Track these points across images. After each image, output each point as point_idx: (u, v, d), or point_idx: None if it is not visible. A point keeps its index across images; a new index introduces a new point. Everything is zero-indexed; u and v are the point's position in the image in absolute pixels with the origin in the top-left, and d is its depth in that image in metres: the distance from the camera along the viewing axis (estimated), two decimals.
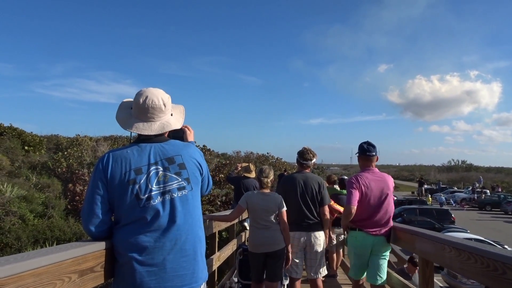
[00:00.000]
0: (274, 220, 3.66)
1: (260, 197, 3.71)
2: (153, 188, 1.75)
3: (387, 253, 3.53)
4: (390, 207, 3.43)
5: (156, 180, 1.77)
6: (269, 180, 3.76)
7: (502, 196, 32.10)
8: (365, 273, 3.57)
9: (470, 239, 12.42)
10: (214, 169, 18.57)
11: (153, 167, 1.79)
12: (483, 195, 33.59)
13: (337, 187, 6.51)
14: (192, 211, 1.82)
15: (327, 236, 4.01)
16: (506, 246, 13.02)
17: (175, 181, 1.80)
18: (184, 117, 2.05)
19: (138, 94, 1.89)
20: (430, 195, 32.96)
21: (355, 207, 3.32)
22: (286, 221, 3.68)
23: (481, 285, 8.07)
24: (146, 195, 1.73)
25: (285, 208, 3.70)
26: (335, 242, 6.09)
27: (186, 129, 2.30)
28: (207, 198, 13.62)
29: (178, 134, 2.27)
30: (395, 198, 27.97)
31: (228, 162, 20.40)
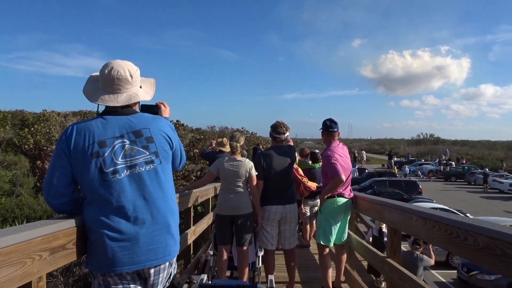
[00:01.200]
0: (244, 185, 3.75)
1: (231, 163, 3.78)
2: (119, 162, 1.71)
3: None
4: (351, 171, 3.90)
5: (122, 153, 1.73)
6: (239, 145, 3.81)
7: (466, 167, 33.44)
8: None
9: (436, 208, 12.88)
10: (188, 144, 18.35)
11: (118, 140, 1.74)
12: (449, 167, 34.60)
13: (309, 161, 6.57)
14: (162, 185, 1.79)
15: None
16: (468, 215, 13.69)
17: (143, 155, 1.76)
18: (155, 89, 1.99)
19: (104, 66, 1.84)
20: (399, 168, 34.15)
21: (344, 176, 3.61)
22: (255, 186, 3.77)
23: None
24: (111, 169, 1.70)
25: (255, 173, 3.78)
26: (308, 214, 6.22)
27: (161, 105, 2.26)
28: (181, 173, 13.52)
29: (153, 110, 2.22)
30: (366, 170, 28.71)
31: (202, 137, 20.19)
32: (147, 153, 1.77)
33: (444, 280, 9.91)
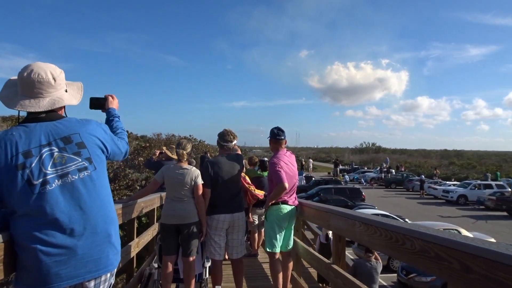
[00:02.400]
0: (189, 194, 3.71)
1: (177, 170, 3.73)
2: (48, 172, 1.62)
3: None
4: (297, 179, 3.99)
5: (51, 162, 1.64)
6: (185, 152, 3.77)
7: (404, 175, 35.11)
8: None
9: (377, 214, 13.58)
10: (133, 152, 17.53)
11: (46, 149, 1.65)
12: (389, 174, 36.21)
13: (258, 170, 6.57)
14: (99, 192, 1.73)
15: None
16: (407, 220, 14.24)
17: (75, 162, 1.68)
18: (82, 93, 1.91)
19: (23, 69, 1.72)
20: (346, 175, 35.27)
21: (288, 184, 3.67)
22: (201, 195, 3.74)
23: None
24: (41, 180, 1.60)
25: (201, 182, 3.75)
26: (256, 222, 6.22)
27: (109, 97, 2.22)
28: (125, 183, 12.95)
29: (100, 103, 2.23)
30: (313, 178, 29.16)
31: (148, 145, 19.45)
32: (80, 160, 1.69)
33: (385, 284, 10.20)
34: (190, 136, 29.61)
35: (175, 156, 6.24)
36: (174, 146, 6.61)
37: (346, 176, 34.53)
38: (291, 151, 4.07)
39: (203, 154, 18.28)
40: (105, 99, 2.25)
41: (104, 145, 1.82)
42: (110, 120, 2.23)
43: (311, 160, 41.33)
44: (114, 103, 2.26)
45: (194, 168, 3.83)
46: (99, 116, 2.54)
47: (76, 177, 1.66)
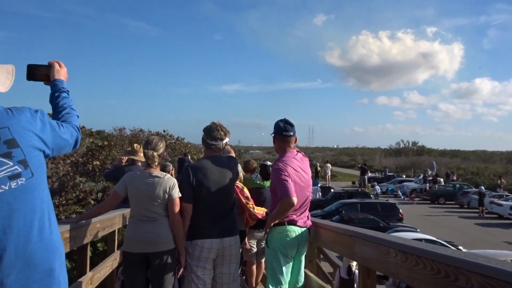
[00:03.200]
0: (162, 212, 3.75)
1: (145, 179, 3.76)
2: None
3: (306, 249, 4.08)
4: (310, 191, 4.01)
5: None
6: (156, 155, 3.79)
7: (457, 185, 35.03)
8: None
9: (420, 239, 13.44)
10: (85, 153, 17.41)
11: None
12: (436, 185, 36.03)
13: (258, 178, 6.61)
14: (36, 208, 1.72)
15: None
16: (460, 247, 14.46)
17: (4, 167, 1.67)
18: (13, 79, 1.90)
19: None
20: (376, 186, 35.11)
21: (297, 197, 3.66)
22: (178, 213, 3.75)
23: None
24: None
25: (178, 195, 3.78)
26: (255, 250, 6.20)
27: (55, 64, 2.24)
28: (75, 195, 12.87)
29: (41, 72, 2.25)
30: (332, 189, 29.51)
31: (106, 143, 19.39)
32: (11, 164, 1.69)
33: None
34: (164, 132, 29.94)
35: (142, 158, 6.25)
36: (134, 146, 6.75)
37: (377, 187, 34.58)
38: (303, 152, 4.11)
39: (182, 156, 18.64)
40: (48, 67, 2.26)
41: (44, 142, 1.83)
42: (55, 97, 2.23)
43: (329, 165, 40.58)
44: (61, 73, 2.27)
45: (169, 175, 3.84)
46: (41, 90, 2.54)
47: (6, 188, 1.65)
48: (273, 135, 4.05)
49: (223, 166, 3.98)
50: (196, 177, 3.84)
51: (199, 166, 3.92)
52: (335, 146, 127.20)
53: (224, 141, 4.04)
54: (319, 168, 39.27)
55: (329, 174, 39.50)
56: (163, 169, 3.82)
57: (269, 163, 6.61)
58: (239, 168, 5.00)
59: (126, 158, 6.90)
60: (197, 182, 3.83)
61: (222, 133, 3.99)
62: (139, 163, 6.67)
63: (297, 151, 4.05)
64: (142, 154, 6.22)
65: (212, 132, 3.98)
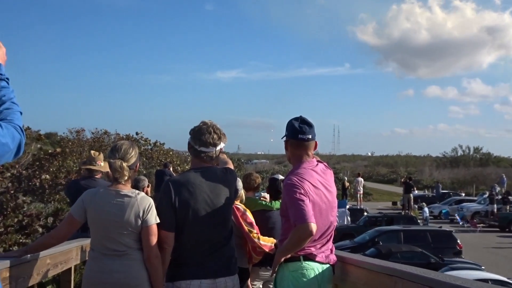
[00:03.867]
0: (133, 243, 3.75)
1: (110, 199, 3.76)
2: None
3: None
4: (335, 215, 4.08)
5: None
6: (126, 166, 3.79)
7: None
8: None
9: (486, 280, 13.45)
10: (31, 164, 17.20)
11: None
12: (507, 206, 35.25)
13: (264, 197, 6.66)
14: None
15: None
16: None
17: None
18: None
19: None
20: (425, 208, 34.42)
21: (316, 224, 3.65)
22: (155, 245, 3.75)
23: None
24: None
25: (155, 221, 3.77)
26: None
27: None
28: (17, 220, 12.49)
29: None
30: (366, 213, 30.07)
31: (59, 150, 19.28)
32: None
33: None
34: (137, 135, 30.98)
35: (103, 168, 6.43)
36: (92, 154, 6.79)
37: (426, 210, 33.84)
38: (326, 162, 4.14)
39: (161, 168, 19.23)
40: None
41: None
42: None
43: (361, 179, 39.20)
44: None
45: (143, 194, 3.85)
46: None
47: None
48: (285, 139, 4.07)
49: (217, 181, 3.99)
50: (180, 195, 3.84)
51: (184, 181, 3.91)
52: (369, 154, 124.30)
53: (218, 148, 4.03)
54: (347, 184, 38.75)
55: (361, 192, 38.75)
56: (136, 185, 3.81)
57: (280, 177, 6.69)
58: (239, 184, 5.00)
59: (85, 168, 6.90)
60: (181, 203, 3.83)
61: (215, 136, 3.97)
62: (99, 175, 6.69)
63: (318, 161, 4.06)
64: (103, 163, 6.46)
65: (201, 136, 3.97)
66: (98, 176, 6.68)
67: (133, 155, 3.87)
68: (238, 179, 4.56)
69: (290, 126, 4.03)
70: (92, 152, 6.78)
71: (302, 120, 4.01)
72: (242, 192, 5.74)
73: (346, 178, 41.60)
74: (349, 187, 39.23)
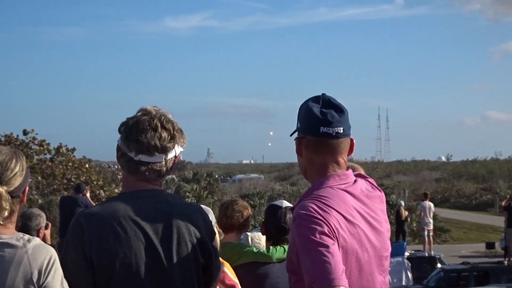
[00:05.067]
0: None
1: None
2: None
3: None
4: (386, 270, 3.40)
5: None
6: (5, 194, 3.07)
7: None
8: None
9: None
10: None
11: None
12: None
13: (258, 239, 5.88)
14: None
15: None
16: None
17: None
18: None
19: None
20: None
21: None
22: None
23: None
24: None
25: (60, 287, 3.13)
26: None
27: None
28: None
29: None
30: (440, 264, 25.67)
31: None
32: None
33: None
34: (25, 134, 27.79)
35: None
36: None
37: None
38: (370, 177, 3.45)
39: (69, 194, 18.19)
40: None
41: None
42: None
43: (429, 204, 31.08)
44: None
45: (37, 242, 3.15)
46: None
47: None
48: (297, 135, 3.23)
49: (170, 216, 3.22)
50: (100, 243, 3.07)
51: (107, 215, 3.12)
52: (443, 159, 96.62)
53: (171, 155, 3.27)
54: (405, 214, 30.62)
55: (431, 228, 30.39)
56: (25, 225, 4.13)
57: (285, 203, 5.38)
58: (212, 218, 4.12)
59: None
60: (103, 256, 3.09)
61: (164, 134, 3.22)
62: None
63: (357, 176, 3.26)
64: None
65: (140, 134, 3.19)
66: None
67: (18, 173, 3.19)
68: (209, 210, 4.13)
69: (305, 112, 3.12)
70: None
71: (326, 102, 3.10)
72: (217, 233, 4.05)
73: (403, 203, 32.32)
74: (409, 219, 31.41)
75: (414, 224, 33.24)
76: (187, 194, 32.11)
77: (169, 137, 3.23)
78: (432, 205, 30.83)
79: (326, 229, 2.83)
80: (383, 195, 3.29)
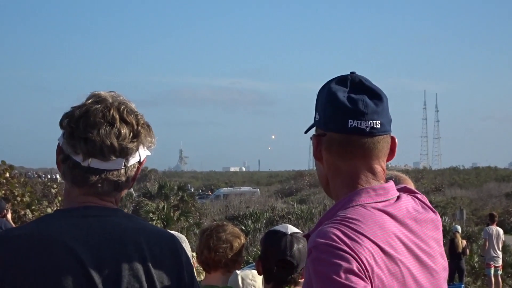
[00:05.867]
0: None
1: None
2: None
3: None
4: None
5: None
6: None
7: None
8: None
9: None
10: None
11: None
12: None
13: (252, 280, 5.30)
14: None
15: None
16: None
17: None
18: None
19: None
20: None
21: None
22: None
23: None
24: None
25: None
26: None
27: None
28: None
29: None
30: None
31: None
32: None
33: None
34: None
35: None
36: None
37: None
38: (419, 192, 2.75)
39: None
40: None
41: None
42: None
43: (496, 229, 26.52)
44: None
45: None
46: None
47: None
48: (315, 131, 2.63)
49: (123, 246, 2.59)
50: (17, 277, 2.50)
51: (31, 240, 2.55)
52: (502, 166, 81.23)
53: (133, 159, 2.71)
54: (463, 243, 26.23)
55: (500, 265, 26.27)
56: None
57: (292, 229, 4.48)
58: (188, 251, 4.14)
59: None
60: None
61: (124, 130, 2.64)
62: None
63: (402, 190, 2.64)
64: None
65: (90, 130, 2.61)
66: None
67: None
68: (183, 239, 4.29)
69: (327, 98, 2.48)
70: None
71: (357, 84, 2.43)
72: (195, 273, 3.40)
73: (459, 229, 27.02)
74: (468, 251, 26.45)
75: (476, 259, 27.80)
76: (150, 215, 26.27)
77: (131, 134, 2.62)
78: (501, 231, 26.23)
79: (355, 266, 2.27)
80: (439, 218, 2.66)
